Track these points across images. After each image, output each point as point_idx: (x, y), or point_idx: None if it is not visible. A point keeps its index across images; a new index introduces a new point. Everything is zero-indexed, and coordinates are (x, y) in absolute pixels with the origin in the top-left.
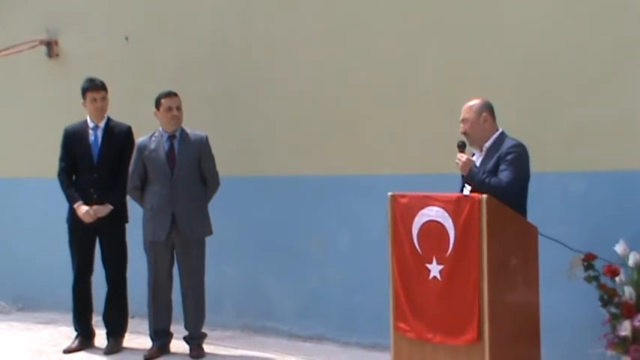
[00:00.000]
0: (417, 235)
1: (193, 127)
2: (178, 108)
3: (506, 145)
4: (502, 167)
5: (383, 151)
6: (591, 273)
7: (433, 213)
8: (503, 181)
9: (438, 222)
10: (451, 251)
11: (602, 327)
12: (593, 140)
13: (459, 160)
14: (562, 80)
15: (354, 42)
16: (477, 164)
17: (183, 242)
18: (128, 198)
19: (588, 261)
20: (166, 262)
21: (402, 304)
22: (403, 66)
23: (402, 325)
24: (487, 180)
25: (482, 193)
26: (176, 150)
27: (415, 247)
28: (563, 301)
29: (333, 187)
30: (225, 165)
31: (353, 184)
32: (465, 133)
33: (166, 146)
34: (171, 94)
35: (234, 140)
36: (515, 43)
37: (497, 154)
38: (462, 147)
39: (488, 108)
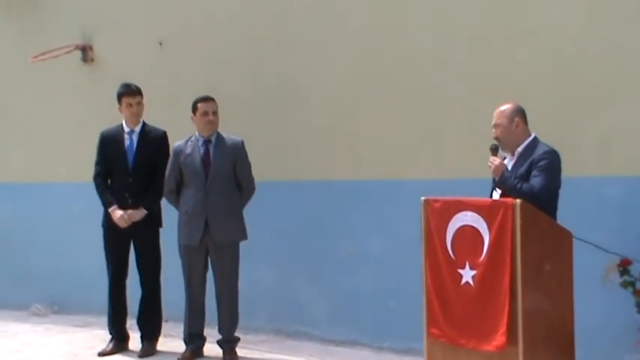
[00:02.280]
0: (451, 240)
1: (227, 132)
2: (214, 113)
3: (539, 150)
4: (534, 173)
5: (415, 156)
6: (627, 278)
7: (468, 218)
8: (536, 188)
9: (473, 227)
10: (484, 256)
11: (638, 333)
12: (629, 144)
13: (491, 163)
14: (596, 83)
15: (388, 46)
16: (509, 168)
17: (216, 246)
18: (163, 202)
19: (624, 266)
20: (200, 266)
21: (434, 310)
22: (435, 70)
23: (434, 330)
24: (518, 185)
25: (511, 197)
26: (211, 154)
27: (448, 252)
28: (598, 307)
29: (366, 191)
30: (257, 169)
31: (386, 189)
32: (497, 138)
33: (202, 151)
34: (207, 99)
35: (267, 145)
36: (548, 47)
37: (529, 160)
38: (494, 150)
39: (520, 113)
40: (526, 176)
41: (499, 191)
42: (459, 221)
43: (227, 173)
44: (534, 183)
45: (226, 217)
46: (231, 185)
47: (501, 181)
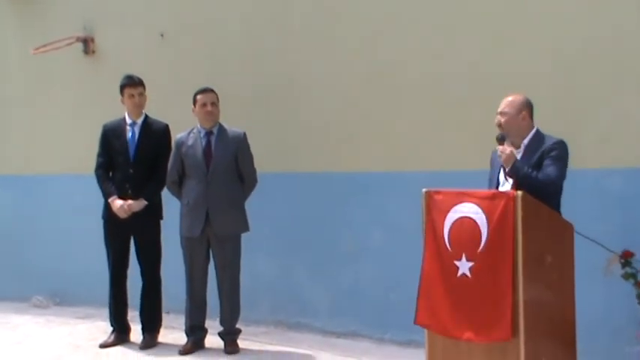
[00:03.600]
0: (448, 231)
1: (228, 124)
2: (213, 104)
3: (549, 141)
4: (547, 162)
5: (416, 148)
6: (628, 270)
7: (467, 209)
8: (553, 176)
9: (471, 218)
10: (482, 248)
11: (639, 325)
12: (630, 137)
13: (501, 152)
14: (597, 76)
15: (388, 40)
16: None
17: (217, 238)
18: (163, 194)
19: (625, 258)
20: (201, 257)
21: (427, 301)
22: (436, 63)
23: (423, 319)
24: (534, 174)
25: (525, 187)
26: (213, 146)
27: (445, 243)
28: (599, 299)
29: (367, 183)
30: (258, 162)
31: (387, 181)
32: (500, 126)
33: (203, 142)
34: (206, 91)
35: (268, 137)
36: (549, 39)
37: (540, 150)
38: (501, 140)
39: (528, 106)
40: (538, 166)
41: (509, 181)
42: (458, 213)
43: (228, 165)
44: (550, 172)
45: (227, 209)
46: (232, 177)
47: (513, 170)
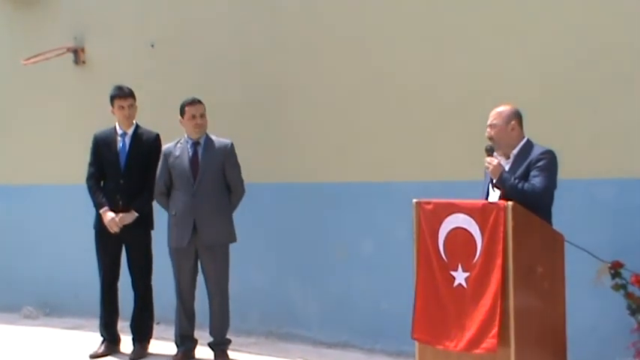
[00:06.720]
0: (443, 242)
1: (217, 134)
2: (202, 115)
3: (537, 151)
4: (534, 173)
5: (406, 158)
6: (618, 281)
7: (460, 220)
8: (537, 187)
9: (465, 229)
10: (478, 258)
11: (630, 335)
12: (621, 146)
13: (488, 164)
14: (587, 86)
15: (377, 49)
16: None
17: (205, 249)
18: (154, 204)
19: (615, 269)
20: (189, 268)
21: (423, 314)
22: (427, 73)
23: (419, 335)
24: (520, 185)
25: (512, 198)
26: (199, 157)
27: (440, 254)
28: (589, 309)
29: (358, 194)
30: (249, 171)
31: (377, 191)
32: (491, 138)
33: (190, 153)
34: (194, 102)
35: (257, 147)
36: (540, 49)
37: (527, 161)
38: (490, 152)
39: (517, 116)
40: (524, 177)
41: (497, 191)
42: (451, 223)
43: (215, 175)
44: (535, 182)
45: (214, 219)
46: (219, 187)
47: (500, 181)
